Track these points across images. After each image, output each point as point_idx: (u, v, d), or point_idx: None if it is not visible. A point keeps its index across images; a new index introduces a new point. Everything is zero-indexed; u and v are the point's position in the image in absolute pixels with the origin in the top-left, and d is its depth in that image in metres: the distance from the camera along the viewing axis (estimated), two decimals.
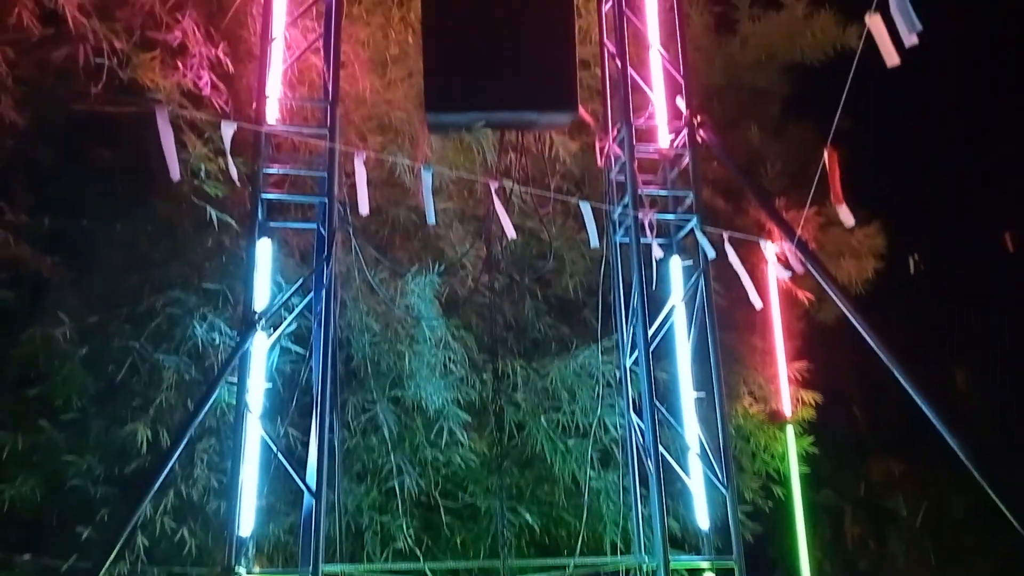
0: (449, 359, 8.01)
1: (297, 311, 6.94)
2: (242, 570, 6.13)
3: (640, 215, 7.08)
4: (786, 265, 6.95)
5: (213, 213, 7.15)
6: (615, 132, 7.55)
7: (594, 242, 6.69)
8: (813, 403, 9.08)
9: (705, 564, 7.02)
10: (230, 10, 6.97)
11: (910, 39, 4.07)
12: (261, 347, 6.82)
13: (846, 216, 5.91)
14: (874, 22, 4.26)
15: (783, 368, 8.78)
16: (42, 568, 7.04)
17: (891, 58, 4.22)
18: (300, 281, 6.77)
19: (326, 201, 6.73)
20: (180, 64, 6.74)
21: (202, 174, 7.03)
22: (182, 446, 6.11)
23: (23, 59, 6.62)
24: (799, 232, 6.80)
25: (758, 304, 7.31)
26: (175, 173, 5.43)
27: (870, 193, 8.24)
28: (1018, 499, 5.50)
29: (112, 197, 7.39)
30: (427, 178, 6.20)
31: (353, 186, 6.40)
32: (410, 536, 7.59)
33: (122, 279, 7.47)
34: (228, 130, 5.58)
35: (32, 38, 6.52)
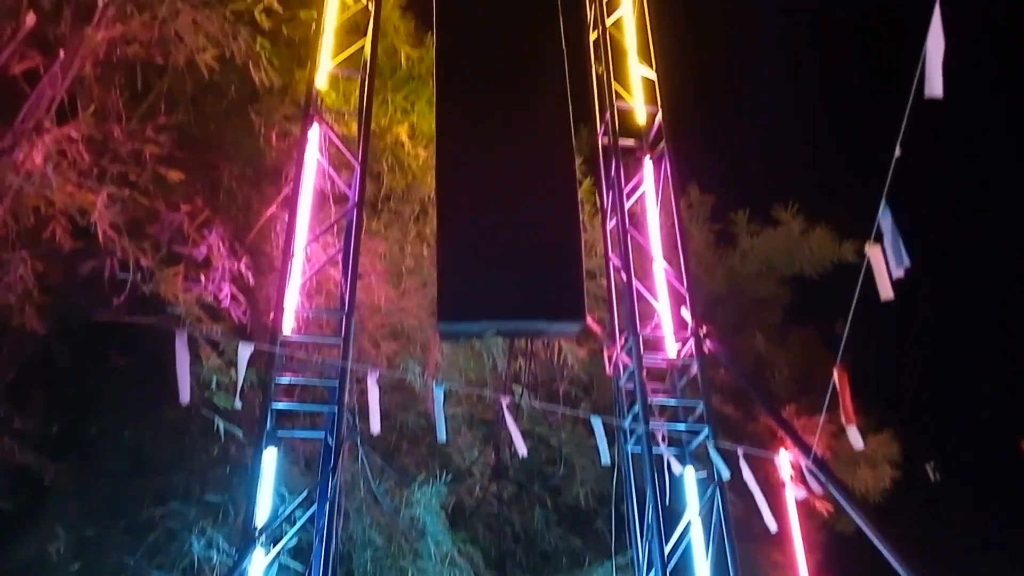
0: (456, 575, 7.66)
1: (299, 524, 6.71)
2: None
3: (651, 426, 7.02)
4: (802, 480, 6.79)
5: (221, 424, 7.08)
6: (622, 341, 7.65)
7: (605, 459, 6.58)
8: None
9: None
10: (255, 225, 7.29)
11: (898, 273, 4.21)
12: (259, 564, 6.54)
13: (855, 439, 5.85)
14: (873, 252, 4.42)
15: None
16: None
17: (885, 291, 4.34)
18: (304, 494, 6.59)
19: (336, 410, 6.70)
20: (203, 277, 6.94)
21: (213, 386, 7.04)
22: None
23: (51, 269, 6.83)
24: (814, 446, 6.70)
25: (773, 528, 7.08)
26: (185, 397, 5.44)
27: (881, 399, 8.24)
28: None
29: (123, 402, 7.39)
30: (439, 395, 6.20)
31: (364, 392, 6.40)
32: None
33: (124, 487, 7.30)
34: (245, 352, 5.64)
35: (63, 251, 6.75)
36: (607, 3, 8.50)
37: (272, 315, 6.71)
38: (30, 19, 6.78)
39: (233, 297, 7.08)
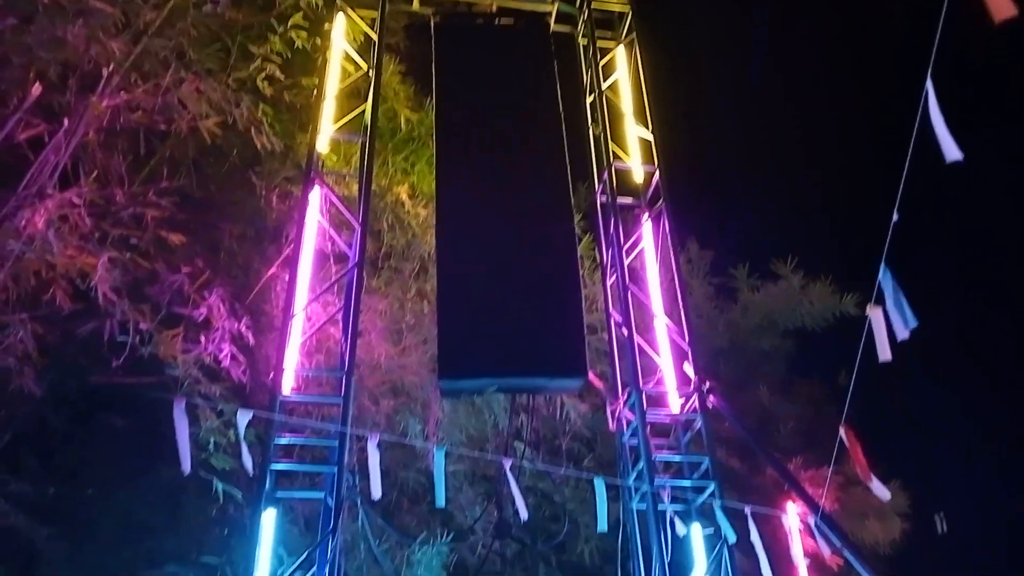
0: None
1: None
2: None
3: (656, 484, 6.92)
4: (810, 536, 6.67)
5: (219, 485, 6.99)
6: (625, 396, 7.60)
7: (602, 526, 6.47)
8: None
9: None
10: (256, 286, 7.31)
11: (903, 334, 4.20)
12: None
13: (880, 491, 5.74)
14: (874, 314, 4.41)
15: None
16: None
17: (884, 353, 4.33)
18: (304, 556, 6.46)
19: (335, 471, 6.62)
20: (203, 337, 6.94)
21: (211, 447, 6.97)
22: None
23: (50, 331, 6.82)
24: (821, 500, 6.59)
25: None
26: (186, 467, 5.38)
27: (888, 450, 8.13)
28: None
29: (118, 464, 7.30)
30: (440, 458, 6.11)
31: (363, 451, 6.33)
32: None
33: (118, 551, 7.16)
34: (244, 418, 5.60)
35: (62, 313, 6.76)
36: (603, 67, 8.69)
37: (272, 375, 6.68)
38: (36, 89, 6.92)
39: (233, 357, 7.06)
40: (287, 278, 6.93)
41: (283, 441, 6.76)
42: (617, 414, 7.68)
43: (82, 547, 7.22)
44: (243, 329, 7.11)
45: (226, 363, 7.02)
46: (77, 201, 7.04)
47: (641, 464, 7.17)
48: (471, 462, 8.31)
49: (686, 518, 7.30)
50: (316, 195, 7.40)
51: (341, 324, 7.04)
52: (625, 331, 7.61)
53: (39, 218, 6.82)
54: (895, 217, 4.56)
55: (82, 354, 7.02)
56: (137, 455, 7.42)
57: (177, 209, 7.62)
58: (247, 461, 5.74)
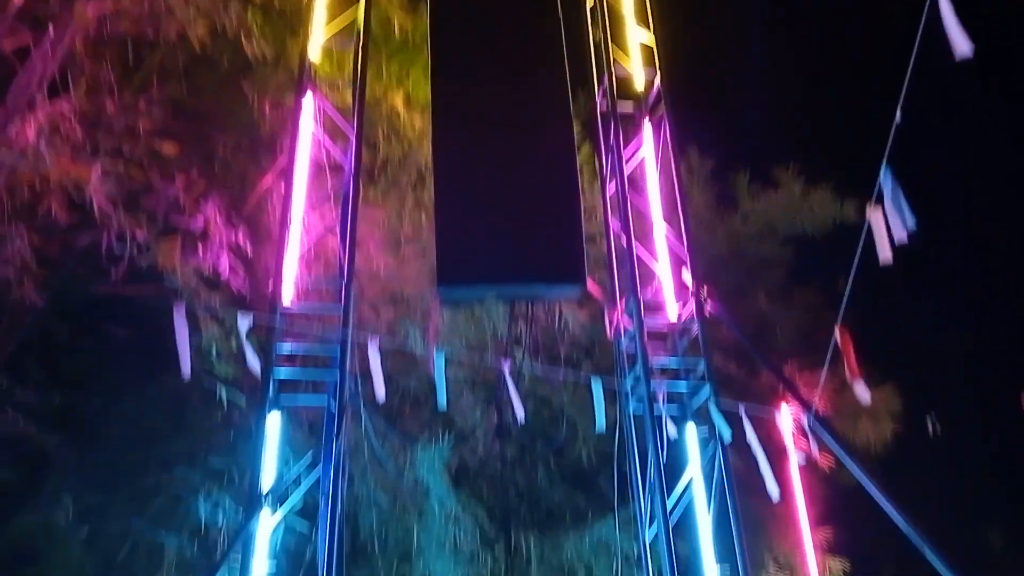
0: (460, 534, 7.76)
1: (305, 485, 6.80)
2: None
3: (652, 386, 7.05)
4: (803, 437, 6.84)
5: (223, 391, 7.15)
6: (623, 304, 7.65)
7: (600, 426, 6.61)
8: (842, 571, 8.67)
9: None
10: (252, 197, 7.28)
11: (902, 236, 4.20)
12: (266, 525, 6.64)
13: (862, 392, 5.86)
14: (874, 215, 4.40)
15: (808, 536, 8.43)
16: None
17: (884, 254, 4.34)
18: (309, 459, 6.66)
19: (338, 377, 6.75)
20: (200, 247, 6.96)
21: (213, 355, 7.09)
22: None
23: (48, 243, 6.86)
24: (815, 401, 6.73)
25: (776, 495, 7.13)
26: (186, 372, 5.48)
27: (883, 353, 8.25)
28: None
29: (122, 373, 7.45)
30: (440, 361, 6.22)
31: (365, 358, 6.44)
32: None
33: (126, 455, 7.39)
34: (244, 322, 5.67)
35: (59, 225, 6.78)
36: None
37: (271, 285, 6.74)
38: None
39: (232, 268, 7.10)
40: (283, 188, 6.90)
41: (285, 350, 6.87)
42: (615, 322, 7.76)
43: (90, 453, 7.45)
44: (241, 240, 7.13)
45: (225, 274, 7.07)
46: (67, 112, 6.96)
47: (638, 368, 7.29)
48: (471, 369, 8.45)
49: (681, 421, 7.47)
50: (309, 103, 7.28)
51: (339, 234, 7.04)
52: (624, 239, 7.61)
53: (30, 129, 6.76)
54: (898, 118, 4.49)
55: (81, 266, 7.07)
56: (141, 365, 7.56)
57: (169, 119, 7.53)
58: (252, 361, 5.85)
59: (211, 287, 7.06)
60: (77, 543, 7.16)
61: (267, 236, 7.50)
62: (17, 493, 7.26)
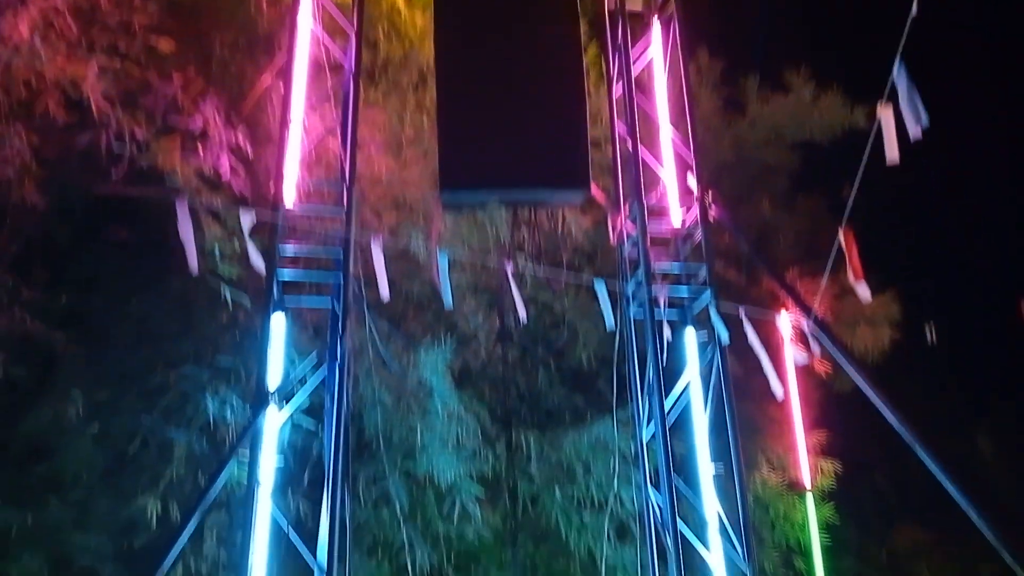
0: (462, 432, 7.98)
1: (310, 385, 6.96)
2: None
3: (653, 291, 7.10)
4: (802, 342, 6.93)
5: (227, 292, 7.21)
6: (627, 209, 7.62)
7: (609, 323, 6.70)
8: (833, 472, 8.95)
9: None
10: (251, 96, 7.16)
11: (916, 132, 4.14)
12: (273, 422, 6.84)
13: (864, 292, 5.90)
14: (884, 113, 4.33)
15: (801, 437, 8.67)
16: None
17: (892, 151, 4.29)
18: (314, 358, 6.79)
19: (341, 278, 6.80)
20: (200, 148, 6.89)
21: (216, 255, 7.12)
22: (193, 523, 6.05)
23: (47, 144, 6.80)
24: (814, 307, 6.79)
25: (780, 394, 7.27)
26: (194, 266, 5.51)
27: (883, 260, 8.24)
28: None
29: (127, 275, 7.50)
30: (443, 262, 6.25)
31: (368, 261, 6.48)
32: None
33: (134, 354, 7.52)
34: (247, 219, 5.67)
35: (57, 124, 6.70)
36: None
37: (272, 185, 6.71)
38: None
39: (232, 169, 7.05)
40: (282, 88, 6.77)
41: (288, 251, 6.90)
42: (618, 227, 7.75)
43: (99, 352, 7.57)
44: (241, 140, 7.05)
45: (226, 175, 7.02)
46: (60, 7, 6.77)
47: (640, 273, 7.33)
48: (474, 274, 8.50)
49: (681, 326, 7.57)
50: None
51: (339, 135, 6.96)
52: (629, 143, 7.51)
53: (23, 24, 6.59)
54: (914, 10, 4.36)
55: (81, 166, 7.02)
56: (146, 266, 7.60)
57: (165, 16, 7.33)
58: (255, 259, 5.88)
59: (212, 188, 7.02)
60: (88, 438, 7.37)
61: (267, 137, 7.41)
62: (28, 390, 7.42)
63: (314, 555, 6.30)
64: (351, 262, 6.82)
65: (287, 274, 7.02)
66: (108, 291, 7.70)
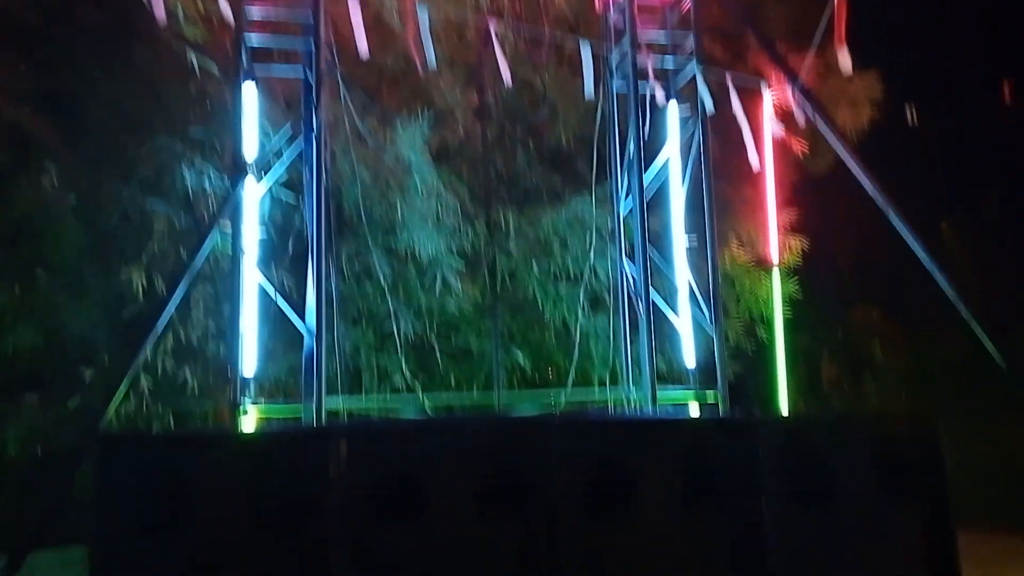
0: (441, 209, 8.03)
1: (287, 158, 6.89)
2: (248, 404, 6.42)
3: (640, 60, 6.91)
4: (784, 114, 6.90)
5: (194, 59, 6.91)
6: None
7: (589, 92, 6.57)
8: (800, 250, 9.19)
9: (690, 394, 7.31)
10: None
11: None
12: (254, 194, 6.83)
13: (844, 60, 5.82)
14: None
15: (772, 215, 8.80)
16: (50, 407, 7.31)
17: None
18: (289, 127, 6.67)
19: (312, 44, 6.52)
20: None
21: (180, 17, 6.74)
22: (181, 291, 6.20)
23: None
24: (801, 76, 6.70)
25: (757, 165, 7.30)
26: (161, 16, 5.21)
27: (867, 39, 8.01)
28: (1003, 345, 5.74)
29: (96, 56, 7.14)
30: (423, 17, 5.97)
31: (339, 27, 6.19)
32: (406, 374, 7.84)
33: (105, 127, 7.33)
34: None
35: None
36: None
37: None
38: None
39: None
40: None
41: (255, 14, 6.55)
42: None
43: (73, 130, 7.37)
44: None
45: None
46: None
47: (625, 42, 7.09)
48: (451, 47, 8.13)
49: (665, 96, 7.44)
50: None
51: None
52: None
53: None
54: None
55: None
56: (114, 45, 7.23)
57: None
58: (225, 8, 5.56)
59: None
60: (70, 214, 7.34)
61: None
62: (10, 174, 7.30)
63: (304, 321, 6.54)
64: (322, 27, 6.50)
65: (255, 39, 6.71)
66: (79, 73, 7.37)
